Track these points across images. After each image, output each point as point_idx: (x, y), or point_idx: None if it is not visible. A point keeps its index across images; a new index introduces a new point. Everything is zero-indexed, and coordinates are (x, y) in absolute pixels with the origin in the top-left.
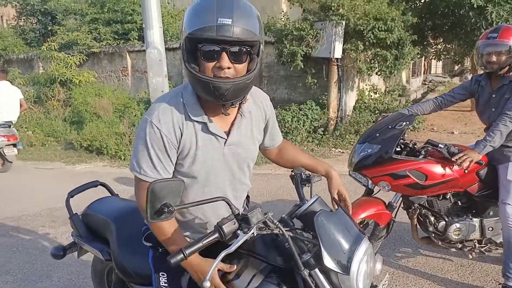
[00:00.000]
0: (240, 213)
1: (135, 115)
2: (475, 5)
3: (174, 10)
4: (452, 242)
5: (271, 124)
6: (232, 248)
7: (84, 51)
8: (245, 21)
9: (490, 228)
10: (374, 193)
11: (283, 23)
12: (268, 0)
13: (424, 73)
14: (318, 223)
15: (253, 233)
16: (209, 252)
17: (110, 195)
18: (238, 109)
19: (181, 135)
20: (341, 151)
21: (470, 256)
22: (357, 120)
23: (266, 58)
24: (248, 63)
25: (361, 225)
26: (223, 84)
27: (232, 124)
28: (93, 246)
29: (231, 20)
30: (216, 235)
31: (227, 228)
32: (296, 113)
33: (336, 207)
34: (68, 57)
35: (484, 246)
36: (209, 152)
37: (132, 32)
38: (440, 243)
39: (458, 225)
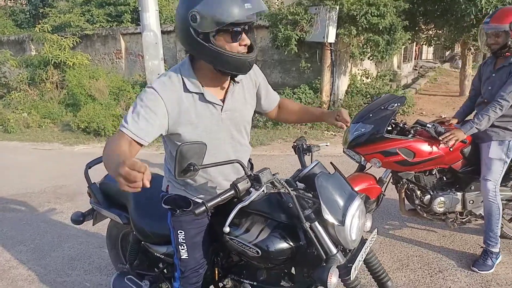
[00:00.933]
0: (252, 174)
1: (130, 98)
2: None
3: None
4: (436, 214)
5: (264, 88)
6: (246, 202)
7: (77, 33)
8: (257, 4)
9: (471, 201)
10: (366, 169)
11: (278, 7)
12: None
13: (415, 59)
14: (318, 183)
15: (263, 190)
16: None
17: None
18: (230, 78)
19: (180, 106)
20: (333, 134)
21: (452, 227)
22: (349, 104)
23: (260, 42)
24: None
25: None
26: (250, 59)
27: (226, 92)
28: (111, 212)
29: (251, 4)
30: (232, 191)
31: (242, 186)
32: (290, 96)
33: (334, 170)
34: (62, 39)
35: (465, 218)
36: (208, 118)
37: (125, 14)
38: (425, 215)
39: (442, 198)
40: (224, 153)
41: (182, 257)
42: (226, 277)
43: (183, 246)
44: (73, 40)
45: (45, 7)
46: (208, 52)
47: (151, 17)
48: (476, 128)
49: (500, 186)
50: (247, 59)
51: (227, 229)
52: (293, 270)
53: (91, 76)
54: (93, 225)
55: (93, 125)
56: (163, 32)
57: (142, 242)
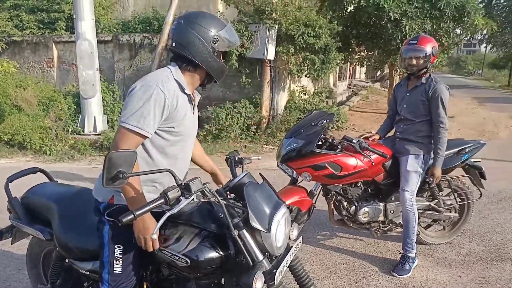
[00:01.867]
0: (183, 183)
1: (61, 109)
2: (392, 18)
3: (106, 1)
4: (361, 224)
5: None
6: (175, 210)
7: (4, 39)
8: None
9: (392, 211)
10: (298, 182)
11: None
12: None
13: (349, 78)
14: (247, 191)
15: (193, 199)
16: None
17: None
18: (201, 85)
19: (177, 103)
20: (273, 148)
21: (376, 235)
22: (287, 119)
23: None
24: None
25: None
26: (227, 70)
27: (194, 99)
28: (33, 228)
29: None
30: (162, 200)
31: (172, 194)
32: (230, 111)
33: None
34: None
35: (387, 226)
36: (189, 117)
37: (59, 21)
38: (351, 224)
39: (366, 208)
40: (190, 150)
41: (115, 271)
42: None
43: (118, 261)
44: None
45: None
46: (216, 64)
47: (86, 26)
48: (441, 156)
49: (417, 196)
50: (227, 70)
51: (154, 236)
52: (223, 281)
53: (18, 85)
54: (11, 243)
55: (18, 137)
56: (100, 42)
57: (66, 260)
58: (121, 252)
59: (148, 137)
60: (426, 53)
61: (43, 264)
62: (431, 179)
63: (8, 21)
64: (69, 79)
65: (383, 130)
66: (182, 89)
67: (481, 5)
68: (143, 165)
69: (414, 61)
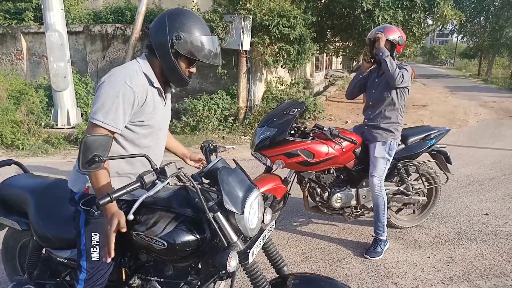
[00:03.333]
0: (158, 167)
1: (33, 102)
2: (365, 9)
3: None
4: (335, 209)
5: None
6: (151, 192)
7: None
8: (219, 61)
9: (364, 196)
10: (272, 170)
11: (193, 12)
12: None
13: (326, 68)
14: (220, 176)
15: (168, 182)
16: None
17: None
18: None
19: (146, 97)
20: (250, 138)
21: (349, 220)
22: (265, 110)
23: None
24: None
25: None
26: (188, 82)
27: (165, 91)
28: (9, 218)
29: (217, 60)
30: (138, 184)
31: (147, 178)
32: (207, 102)
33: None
34: None
35: (359, 211)
36: (160, 110)
37: (26, 12)
38: (325, 210)
39: (339, 194)
40: (163, 139)
41: (93, 259)
42: (133, 277)
43: (96, 248)
44: None
45: None
46: (169, 62)
47: (55, 16)
48: (386, 58)
49: (387, 181)
50: (185, 80)
51: (131, 216)
52: (199, 265)
53: None
54: None
55: None
56: (70, 33)
57: (43, 250)
58: (98, 240)
59: (117, 133)
60: (392, 42)
61: (19, 257)
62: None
63: None
64: (40, 72)
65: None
66: (151, 83)
67: None
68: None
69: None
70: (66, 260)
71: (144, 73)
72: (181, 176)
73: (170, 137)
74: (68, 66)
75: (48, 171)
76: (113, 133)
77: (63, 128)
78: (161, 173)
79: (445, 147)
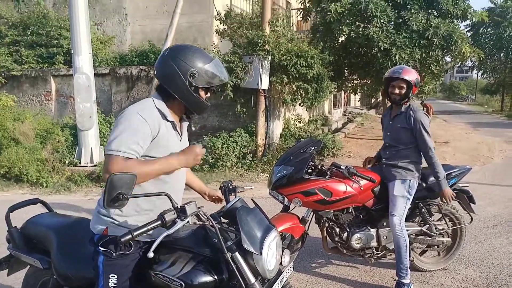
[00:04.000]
0: (179, 206)
1: (58, 141)
2: (382, 48)
3: (104, 36)
4: (355, 250)
5: None
6: (171, 231)
7: (3, 74)
8: (227, 78)
9: (385, 237)
10: (290, 209)
11: (214, 54)
12: (200, 32)
13: (344, 105)
14: (239, 215)
15: (188, 221)
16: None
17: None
18: (186, 116)
19: (159, 130)
20: (268, 177)
21: (370, 262)
22: (283, 147)
23: None
24: None
25: None
26: (209, 106)
27: (181, 127)
28: (31, 256)
29: (225, 78)
30: (159, 222)
31: (168, 217)
32: (226, 140)
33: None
34: None
35: (381, 253)
36: (177, 145)
37: (57, 56)
38: (345, 251)
39: (358, 235)
40: (181, 176)
41: None
42: None
43: None
44: None
45: None
46: (192, 98)
47: (84, 60)
48: (442, 178)
49: (408, 221)
50: (208, 106)
51: (151, 254)
52: None
53: (16, 119)
54: (7, 275)
55: (14, 170)
56: (98, 75)
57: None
58: (116, 282)
59: (133, 158)
60: (409, 83)
61: None
62: (444, 202)
63: (8, 57)
64: (67, 112)
65: (378, 156)
66: (164, 117)
67: (468, 34)
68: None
69: (397, 90)
70: None
71: (157, 108)
72: (200, 215)
73: (190, 173)
74: (94, 106)
75: (70, 209)
76: (128, 159)
77: (86, 166)
78: (181, 212)
79: (467, 186)
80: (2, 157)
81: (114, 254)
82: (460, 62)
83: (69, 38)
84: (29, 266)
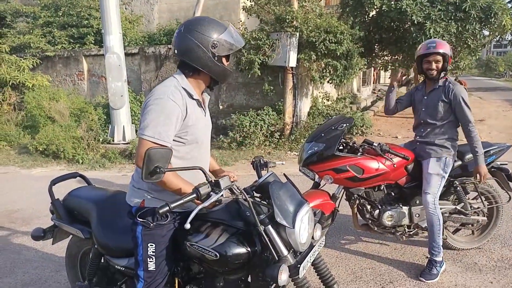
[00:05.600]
0: (213, 180)
1: (92, 120)
2: (415, 22)
3: (132, 15)
4: (386, 228)
5: None
6: (207, 203)
7: (38, 55)
8: (243, 40)
9: (417, 215)
10: (320, 186)
11: (241, 32)
12: (227, 9)
13: (373, 83)
14: (272, 189)
15: (222, 194)
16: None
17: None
18: (209, 87)
19: (186, 109)
20: (296, 154)
21: (401, 239)
22: (311, 125)
23: None
24: None
25: None
26: (231, 72)
27: (204, 101)
28: (73, 226)
29: (242, 40)
30: (194, 195)
31: (203, 190)
32: (254, 118)
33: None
34: (21, 60)
35: (413, 230)
36: (201, 121)
37: (88, 36)
38: (376, 228)
39: (390, 212)
40: (207, 153)
41: (149, 268)
42: (185, 287)
43: (152, 259)
44: (33, 61)
45: (3, 28)
46: (218, 68)
47: (114, 40)
48: (480, 154)
49: (442, 199)
50: (231, 71)
51: (188, 225)
52: (249, 279)
53: (51, 98)
54: (52, 243)
55: (52, 147)
56: (127, 54)
57: (103, 259)
58: (154, 250)
59: (167, 146)
60: (444, 56)
61: (81, 264)
62: (478, 180)
63: (42, 38)
64: (99, 91)
65: (390, 104)
66: (190, 96)
67: (509, 5)
68: None
69: (434, 65)
70: (123, 269)
71: (183, 87)
72: (234, 189)
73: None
74: (125, 85)
75: (105, 184)
76: (163, 146)
77: (119, 144)
78: (215, 186)
79: (506, 164)
80: (40, 134)
81: (152, 224)
82: (499, 36)
83: (99, 18)
84: (71, 236)
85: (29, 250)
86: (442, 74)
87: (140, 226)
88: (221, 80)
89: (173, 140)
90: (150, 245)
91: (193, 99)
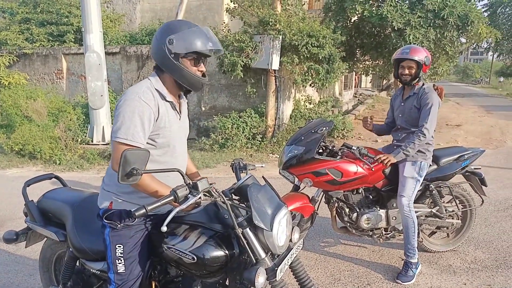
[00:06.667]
0: (191, 182)
1: (70, 119)
2: (396, 28)
3: (114, 14)
4: (364, 230)
5: None
6: (184, 205)
7: (15, 52)
8: (216, 45)
9: (394, 218)
10: (300, 189)
11: (224, 34)
12: (210, 10)
13: (355, 87)
14: (250, 192)
15: (200, 197)
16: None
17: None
18: (184, 93)
19: (158, 111)
20: (278, 156)
21: (379, 242)
22: (293, 128)
23: (207, 67)
24: None
25: None
26: (203, 81)
27: (180, 105)
28: (48, 229)
29: (212, 44)
30: (171, 197)
31: (180, 192)
32: (236, 120)
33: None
34: None
35: (390, 233)
36: (175, 124)
37: (68, 34)
38: (354, 231)
39: (368, 215)
40: (182, 158)
41: (119, 271)
42: None
43: (121, 260)
44: (9, 59)
45: None
46: (175, 67)
47: (94, 38)
48: (404, 154)
49: (418, 203)
50: (200, 80)
51: (164, 228)
52: (227, 282)
53: (29, 96)
54: (26, 247)
55: (28, 147)
56: (108, 54)
57: (78, 262)
58: (122, 252)
59: (140, 148)
60: (418, 63)
61: (55, 268)
62: (383, 159)
63: (19, 34)
64: (78, 90)
65: (379, 128)
66: (163, 97)
67: (485, 14)
68: None
69: (406, 71)
70: (98, 272)
71: (156, 89)
72: (212, 192)
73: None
74: (105, 85)
75: (82, 186)
76: (137, 148)
77: (98, 145)
78: (193, 188)
79: (479, 168)
80: (16, 134)
81: (119, 225)
82: (475, 43)
83: (79, 16)
84: (45, 239)
85: (1, 253)
86: (416, 80)
87: (108, 228)
88: (185, 85)
89: (146, 142)
90: (118, 246)
91: (166, 100)
